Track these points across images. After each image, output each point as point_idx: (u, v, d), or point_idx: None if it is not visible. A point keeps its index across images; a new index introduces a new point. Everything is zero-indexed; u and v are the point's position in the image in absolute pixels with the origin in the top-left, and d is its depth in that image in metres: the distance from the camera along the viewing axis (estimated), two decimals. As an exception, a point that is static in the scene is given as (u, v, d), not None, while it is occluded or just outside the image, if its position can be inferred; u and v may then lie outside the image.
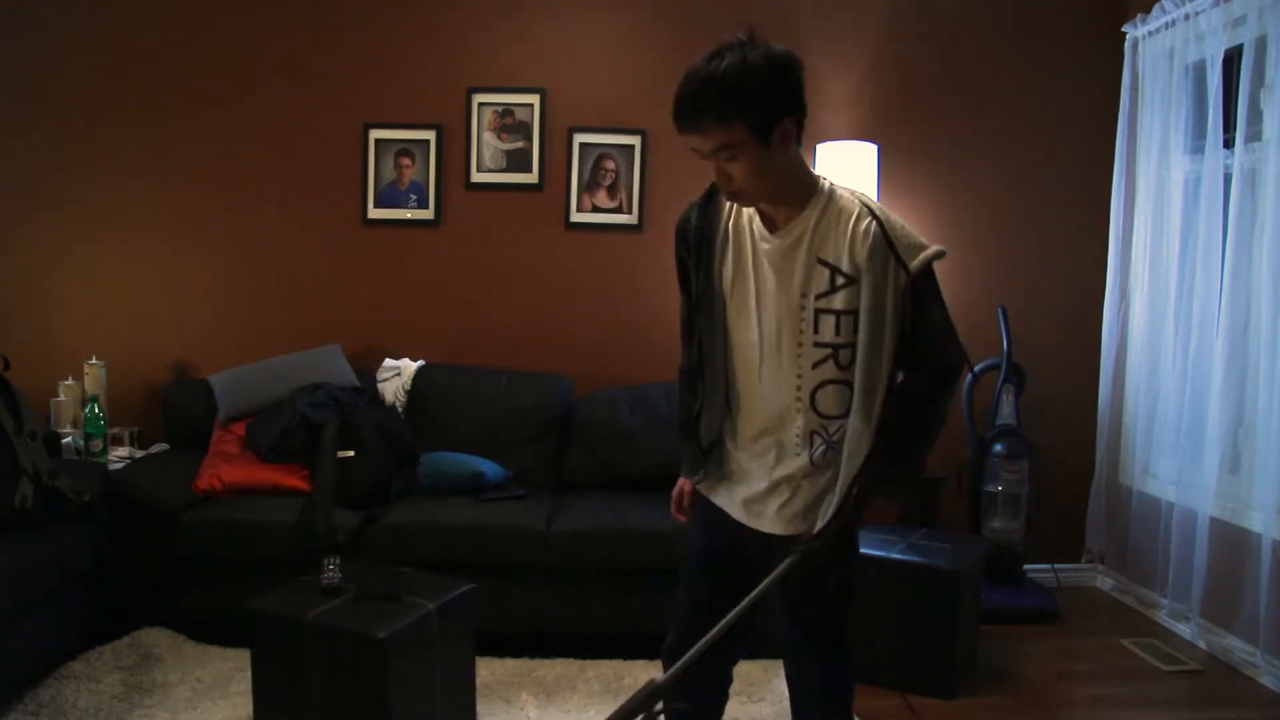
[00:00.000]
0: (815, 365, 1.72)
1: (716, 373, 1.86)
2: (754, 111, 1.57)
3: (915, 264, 1.62)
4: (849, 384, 1.70)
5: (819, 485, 1.77)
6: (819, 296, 1.68)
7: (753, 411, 1.83)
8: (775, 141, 1.61)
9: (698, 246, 1.81)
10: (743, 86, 1.55)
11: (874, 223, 1.64)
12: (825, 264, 1.68)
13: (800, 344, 1.72)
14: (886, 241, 1.63)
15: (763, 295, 1.75)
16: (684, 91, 1.59)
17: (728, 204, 1.80)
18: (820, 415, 1.74)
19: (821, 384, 1.72)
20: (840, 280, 1.67)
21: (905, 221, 1.69)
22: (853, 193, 1.71)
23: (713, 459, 1.91)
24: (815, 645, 1.85)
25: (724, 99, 1.56)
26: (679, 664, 1.63)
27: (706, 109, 1.57)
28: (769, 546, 1.82)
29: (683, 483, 2.02)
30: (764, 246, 1.74)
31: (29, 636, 2.73)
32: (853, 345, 1.68)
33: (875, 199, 1.71)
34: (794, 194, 1.70)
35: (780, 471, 1.79)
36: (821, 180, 1.73)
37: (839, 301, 1.67)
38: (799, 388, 1.74)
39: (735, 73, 1.55)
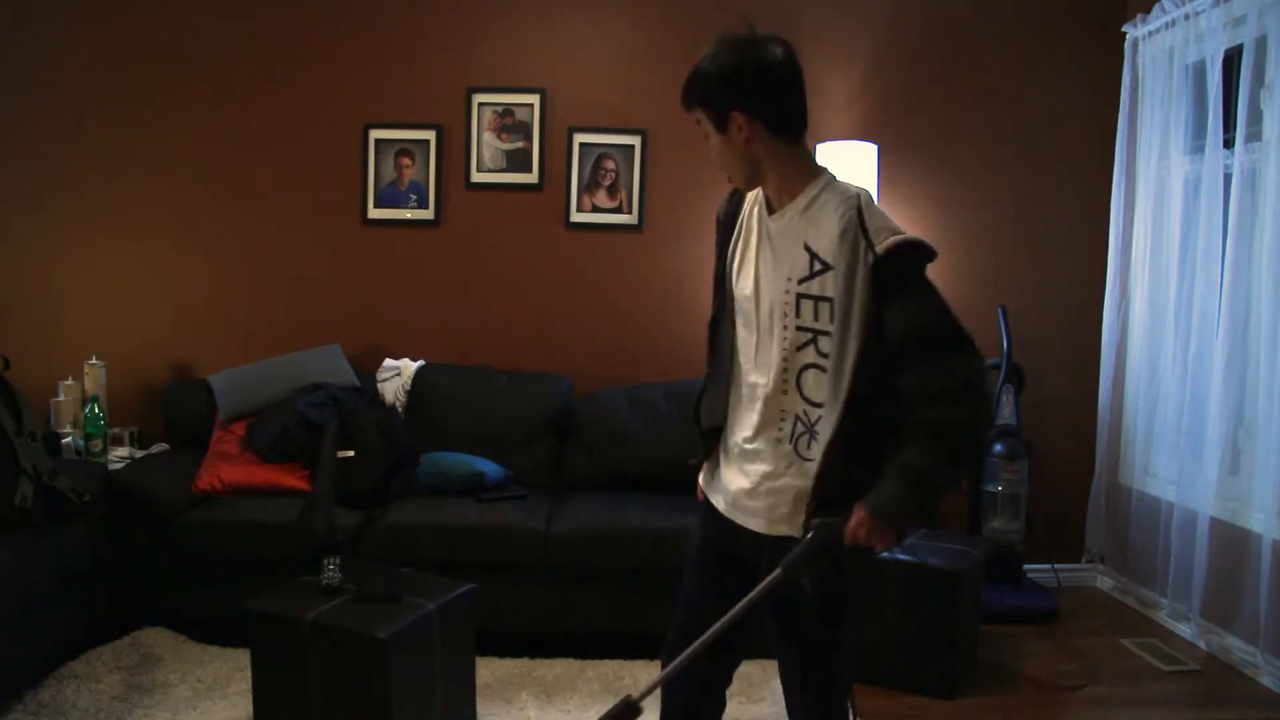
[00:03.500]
0: (799, 348, 1.74)
1: (722, 356, 1.89)
2: (704, 102, 1.73)
3: (882, 246, 1.62)
4: (827, 371, 1.72)
5: (803, 481, 1.76)
6: (800, 281, 1.72)
7: (744, 395, 1.84)
8: (732, 132, 1.72)
9: (723, 232, 1.90)
10: (699, 78, 1.73)
11: (854, 211, 1.66)
12: (808, 249, 1.71)
13: (786, 326, 1.74)
14: (860, 225, 1.65)
15: (761, 277, 1.79)
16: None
17: (750, 195, 1.86)
18: (805, 399, 1.75)
19: (805, 367, 1.74)
20: (818, 266, 1.70)
21: (894, 219, 1.70)
22: (849, 186, 1.73)
23: (713, 449, 1.93)
24: (803, 649, 1.86)
25: (689, 86, 1.75)
26: (658, 678, 1.69)
27: (683, 95, 1.77)
28: (760, 546, 1.82)
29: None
30: (769, 227, 1.79)
31: (29, 636, 2.73)
32: (830, 332, 1.70)
33: (865, 193, 1.71)
34: (790, 183, 1.75)
35: (765, 467, 1.79)
36: (823, 172, 1.76)
37: (816, 287, 1.70)
38: (785, 369, 1.76)
39: (703, 66, 1.72)
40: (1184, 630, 3.49)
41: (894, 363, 1.66)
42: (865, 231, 1.64)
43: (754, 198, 1.85)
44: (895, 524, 1.69)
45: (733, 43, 1.70)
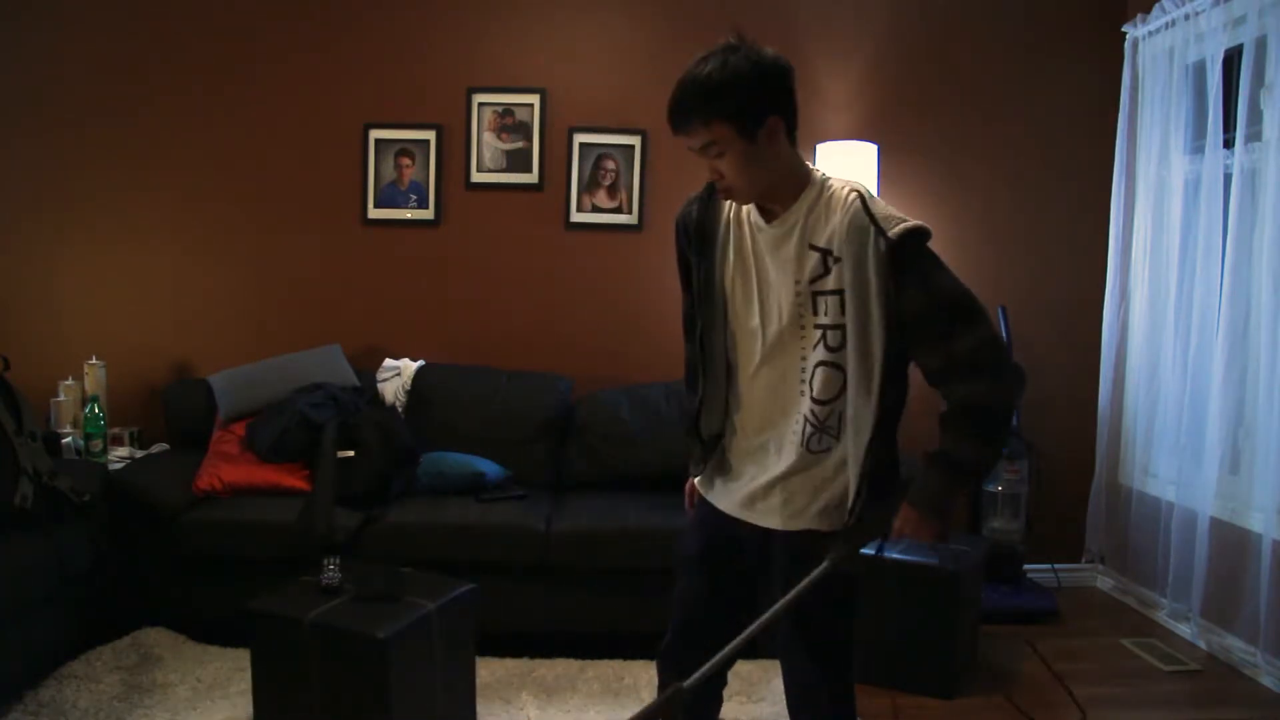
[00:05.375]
0: (814, 346, 1.74)
1: (717, 368, 1.87)
2: (736, 111, 1.63)
3: (895, 230, 1.62)
4: (838, 366, 1.72)
5: (818, 476, 1.77)
6: (813, 280, 1.71)
7: (754, 404, 1.84)
8: (761, 140, 1.66)
9: (699, 241, 1.85)
10: (725, 87, 1.62)
11: (858, 201, 1.67)
12: (816, 248, 1.70)
13: (803, 327, 1.74)
14: (867, 214, 1.65)
15: (765, 285, 1.78)
16: (674, 95, 1.67)
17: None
18: (815, 400, 1.75)
19: (818, 365, 1.74)
20: (831, 261, 1.69)
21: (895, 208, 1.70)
22: (846, 182, 1.73)
23: (714, 456, 1.92)
24: (813, 648, 1.85)
25: (707, 100, 1.63)
26: (704, 668, 1.65)
27: (692, 110, 1.64)
28: (768, 544, 1.82)
29: (692, 479, 2.03)
30: (761, 236, 1.77)
31: (29, 636, 2.73)
32: (841, 326, 1.70)
33: (865, 187, 1.71)
34: (788, 188, 1.74)
35: (779, 466, 1.79)
36: (815, 172, 1.76)
37: (831, 282, 1.69)
38: (803, 370, 1.76)
39: (718, 75, 1.62)
40: (1184, 630, 3.49)
41: (914, 343, 1.68)
42: (874, 219, 1.64)
43: (732, 205, 1.82)
44: (940, 516, 1.72)
45: (745, 49, 1.66)
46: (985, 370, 1.65)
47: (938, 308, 1.64)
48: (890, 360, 1.67)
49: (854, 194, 1.68)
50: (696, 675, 1.64)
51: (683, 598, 1.95)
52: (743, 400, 1.85)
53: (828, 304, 1.70)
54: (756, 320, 1.79)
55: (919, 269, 1.64)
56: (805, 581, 1.69)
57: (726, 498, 1.89)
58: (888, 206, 1.68)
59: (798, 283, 1.72)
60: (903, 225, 1.62)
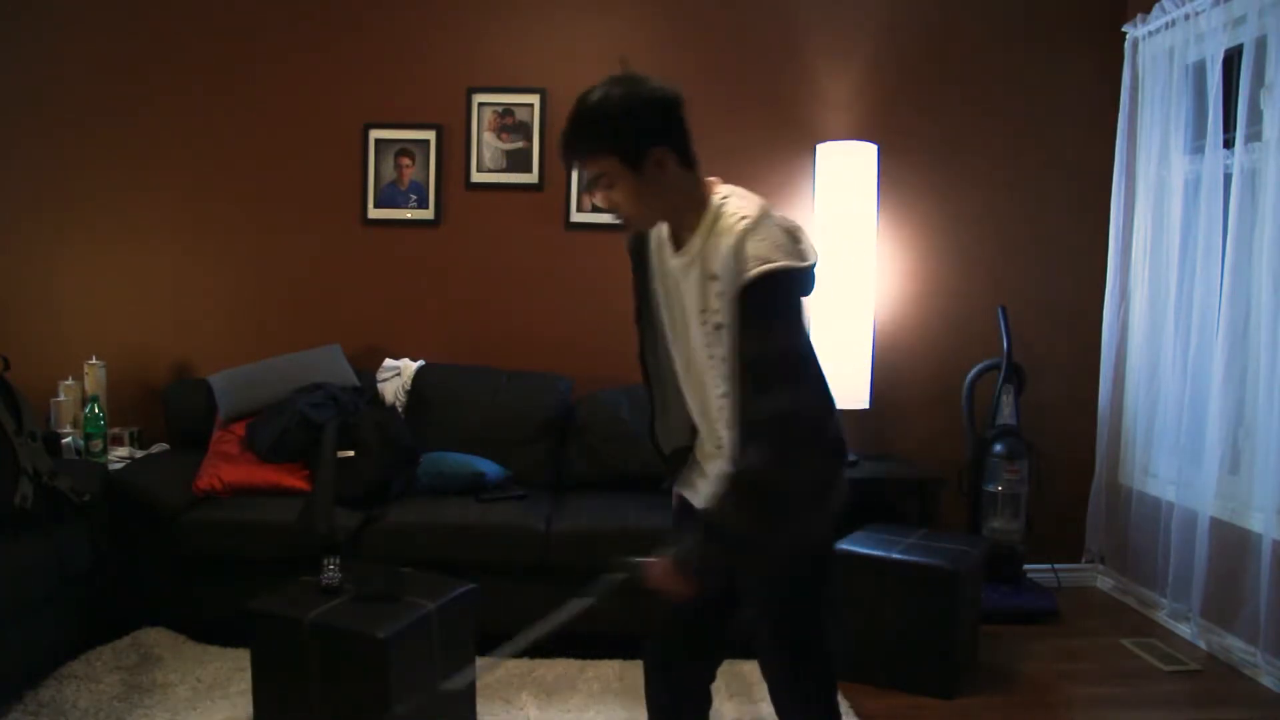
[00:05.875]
0: (721, 376, 1.72)
1: (664, 386, 1.90)
2: (617, 144, 1.64)
3: (750, 273, 1.58)
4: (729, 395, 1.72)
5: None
6: (714, 311, 1.69)
7: (697, 420, 1.86)
8: (648, 170, 1.66)
9: (635, 264, 1.88)
10: (605, 121, 1.64)
11: (739, 235, 1.63)
12: (714, 278, 1.67)
13: (711, 356, 1.72)
14: (739, 248, 1.62)
15: (679, 313, 1.78)
16: (562, 130, 1.68)
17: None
18: (726, 426, 1.74)
19: (722, 394, 1.73)
20: (720, 292, 1.67)
21: (789, 238, 1.64)
22: (741, 207, 1.68)
23: (683, 466, 1.94)
24: (769, 643, 1.86)
25: (589, 134, 1.65)
26: (521, 636, 1.80)
27: (576, 145, 1.67)
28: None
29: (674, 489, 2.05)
30: (672, 264, 1.77)
31: (29, 636, 2.73)
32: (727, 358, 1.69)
33: (765, 209, 1.67)
34: (690, 214, 1.72)
35: (720, 471, 1.81)
36: (715, 196, 1.72)
37: (724, 314, 1.67)
38: (717, 398, 1.75)
39: (598, 109, 1.64)
40: (1184, 630, 3.49)
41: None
42: (741, 255, 1.61)
43: (657, 231, 1.83)
44: (691, 576, 1.69)
45: (626, 80, 1.66)
46: (768, 442, 1.60)
47: (764, 358, 1.61)
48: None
49: (742, 223, 1.63)
50: (474, 668, 1.74)
51: (658, 603, 1.97)
52: (690, 415, 1.88)
53: (722, 335, 1.68)
54: (681, 344, 1.80)
55: (763, 314, 1.61)
56: (565, 610, 1.82)
57: (697, 498, 1.91)
58: (771, 240, 1.61)
59: (702, 311, 1.70)
60: (759, 269, 1.58)
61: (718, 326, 1.68)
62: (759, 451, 1.60)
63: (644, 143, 1.64)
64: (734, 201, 1.70)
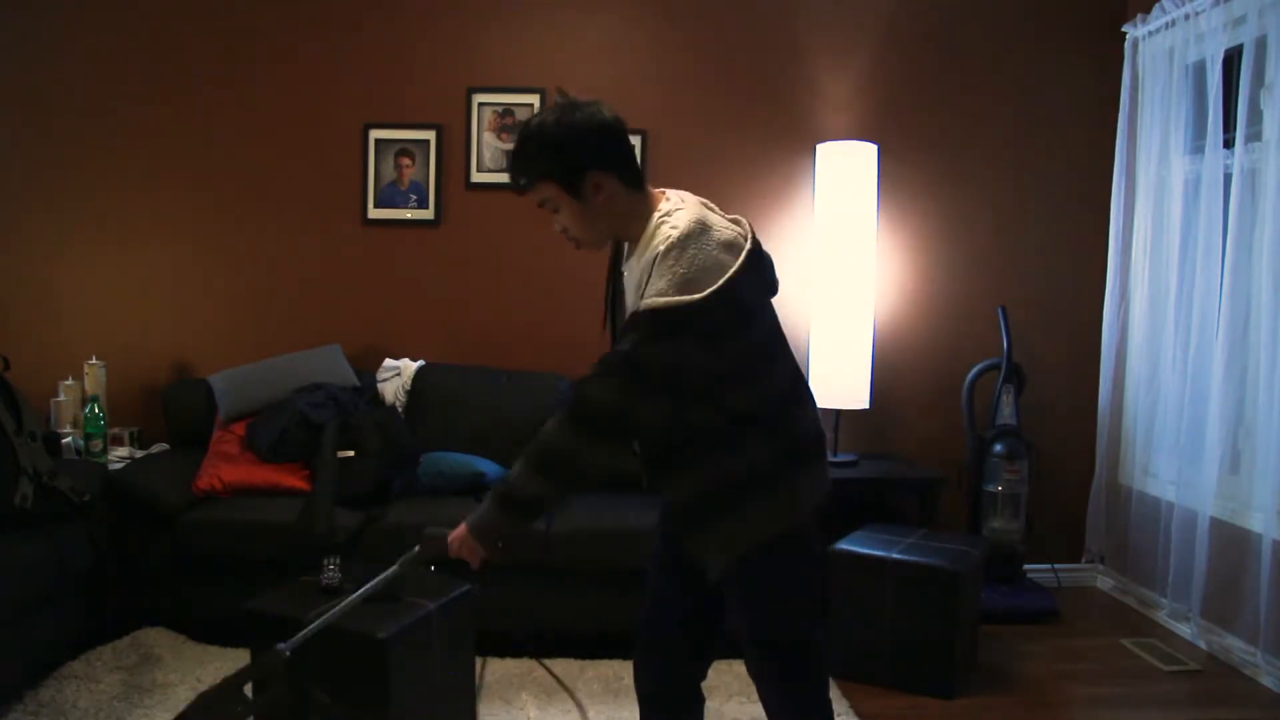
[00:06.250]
0: None
1: None
2: (554, 171, 1.71)
3: (645, 302, 1.61)
4: None
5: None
6: None
7: None
8: (588, 194, 1.72)
9: (611, 271, 1.93)
10: (542, 150, 1.71)
11: (653, 257, 1.66)
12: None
13: None
14: (647, 273, 1.66)
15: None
16: (507, 156, 1.70)
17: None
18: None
19: None
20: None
21: (711, 264, 1.63)
22: (677, 222, 1.69)
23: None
24: (749, 643, 1.86)
25: (528, 161, 1.73)
26: (299, 635, 1.87)
27: (519, 171, 1.75)
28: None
29: None
30: (625, 276, 1.83)
31: (29, 636, 2.73)
32: None
33: (697, 227, 1.66)
34: (634, 230, 1.77)
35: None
36: (656, 214, 1.74)
37: None
38: None
39: (535, 138, 1.71)
40: (1184, 630, 3.49)
41: None
42: (650, 275, 1.64)
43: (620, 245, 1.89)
44: (482, 541, 1.77)
45: (564, 107, 1.70)
46: (567, 407, 1.68)
47: (613, 355, 1.67)
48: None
49: (661, 246, 1.65)
50: (296, 638, 1.81)
51: (648, 596, 1.99)
52: None
53: None
54: None
55: (635, 331, 1.63)
56: (372, 583, 1.92)
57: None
58: (683, 271, 1.61)
59: None
60: (650, 302, 1.60)
61: None
62: (556, 416, 1.69)
63: (580, 168, 1.70)
64: (671, 219, 1.71)
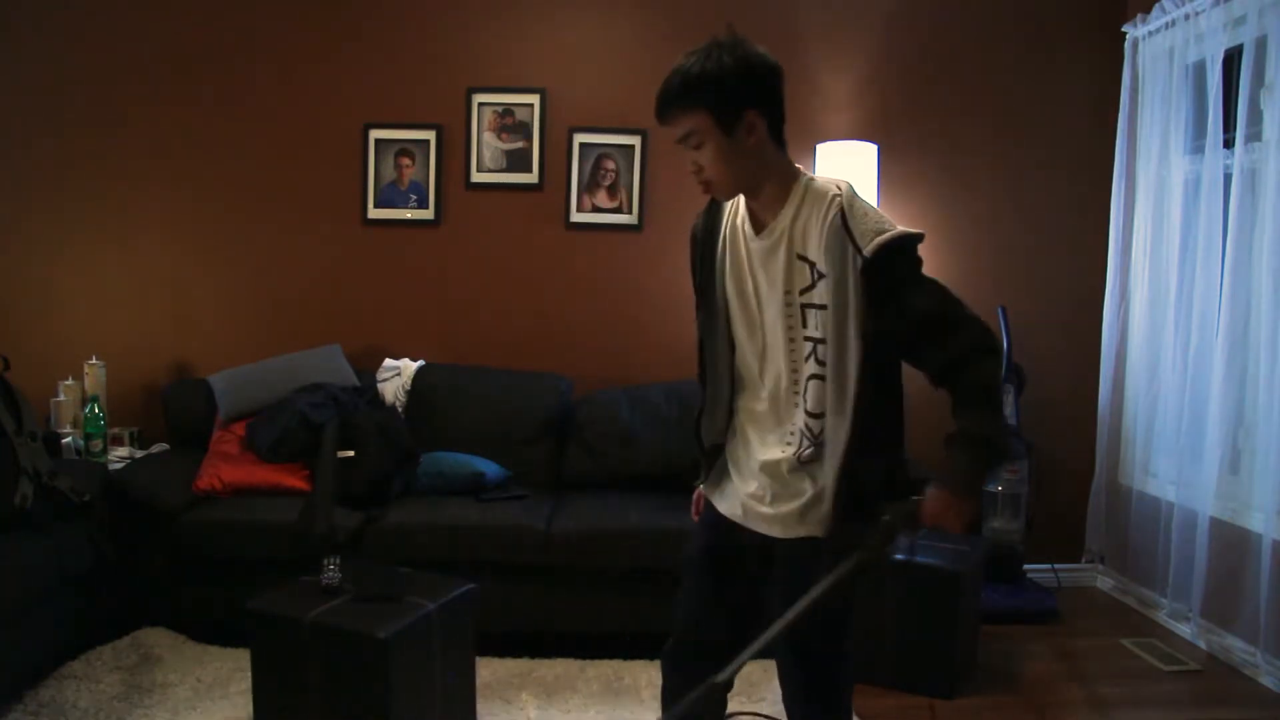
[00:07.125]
0: (805, 359, 1.73)
1: (720, 375, 1.87)
2: (714, 101, 1.65)
3: (869, 247, 1.60)
4: (826, 379, 1.71)
5: (808, 487, 1.75)
6: (803, 291, 1.70)
7: (752, 413, 1.84)
8: (739, 134, 1.67)
9: (701, 250, 1.86)
10: (705, 78, 1.65)
11: (838, 214, 1.64)
12: (804, 259, 1.69)
13: (793, 340, 1.73)
14: (845, 229, 1.63)
15: (759, 297, 1.77)
16: (662, 85, 1.70)
17: (727, 208, 1.83)
18: (808, 413, 1.74)
19: (810, 378, 1.73)
20: (817, 274, 1.68)
21: (880, 211, 1.67)
22: (831, 183, 1.70)
23: (717, 462, 1.92)
24: (809, 650, 1.84)
25: (687, 89, 1.66)
26: (742, 655, 1.58)
27: (674, 99, 1.68)
28: (769, 551, 1.82)
29: (698, 486, 2.03)
30: (753, 247, 1.76)
31: (29, 636, 2.73)
32: (827, 340, 1.69)
33: (851, 187, 1.69)
34: (770, 189, 1.72)
35: (775, 477, 1.79)
36: (801, 176, 1.73)
37: (818, 296, 1.68)
38: (795, 383, 1.75)
39: (700, 66, 1.65)
40: (1184, 630, 3.49)
41: (905, 356, 1.69)
42: (851, 235, 1.61)
43: (731, 211, 1.82)
44: (973, 495, 1.71)
45: (732, 44, 1.67)
46: (985, 353, 1.68)
47: (920, 327, 1.65)
48: (868, 378, 1.65)
49: (835, 201, 1.65)
50: (729, 669, 1.56)
51: (685, 599, 1.94)
52: (742, 409, 1.86)
53: (817, 317, 1.69)
54: (751, 332, 1.80)
55: (899, 287, 1.63)
56: (831, 577, 1.63)
57: (727, 502, 1.89)
58: (870, 213, 1.64)
59: (788, 294, 1.71)
60: (877, 240, 1.59)
61: (807, 307, 1.69)
62: (985, 362, 1.67)
63: (740, 103, 1.65)
64: (822, 181, 1.71)
